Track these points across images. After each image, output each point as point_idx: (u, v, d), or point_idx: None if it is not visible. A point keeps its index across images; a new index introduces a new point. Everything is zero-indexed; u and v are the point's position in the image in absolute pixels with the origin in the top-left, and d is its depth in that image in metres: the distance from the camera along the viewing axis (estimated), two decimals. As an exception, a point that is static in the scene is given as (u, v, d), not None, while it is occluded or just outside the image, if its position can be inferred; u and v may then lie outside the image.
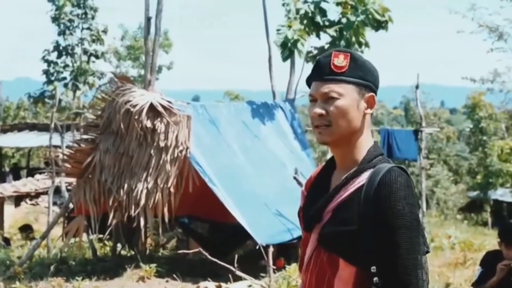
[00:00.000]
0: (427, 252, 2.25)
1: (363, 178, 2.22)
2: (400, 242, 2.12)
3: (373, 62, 2.34)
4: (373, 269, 2.13)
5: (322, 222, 2.26)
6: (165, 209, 11.02)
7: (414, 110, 35.15)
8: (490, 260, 5.54)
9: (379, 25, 13.24)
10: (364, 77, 2.27)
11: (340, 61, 2.27)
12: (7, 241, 15.41)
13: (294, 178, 10.84)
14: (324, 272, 2.24)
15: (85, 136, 11.91)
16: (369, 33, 13.30)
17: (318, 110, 2.26)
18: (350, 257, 2.17)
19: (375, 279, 2.13)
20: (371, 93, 2.29)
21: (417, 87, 15.92)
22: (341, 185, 2.25)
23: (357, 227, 2.15)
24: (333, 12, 13.39)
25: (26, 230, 17.05)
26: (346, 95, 2.25)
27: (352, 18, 12.94)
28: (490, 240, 15.16)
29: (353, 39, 12.96)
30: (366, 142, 2.30)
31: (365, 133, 2.30)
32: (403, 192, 2.14)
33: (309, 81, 2.35)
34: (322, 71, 2.29)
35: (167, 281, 10.74)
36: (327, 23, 13.29)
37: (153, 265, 10.98)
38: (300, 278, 2.40)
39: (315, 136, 2.35)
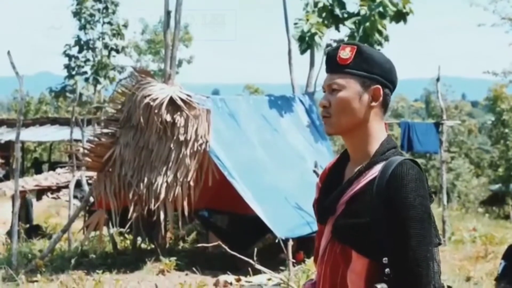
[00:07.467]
0: (439, 244, 2.27)
1: (375, 171, 2.23)
2: (411, 234, 2.13)
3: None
4: (385, 260, 2.14)
5: (335, 215, 2.29)
6: (185, 203, 11.05)
7: (435, 103, 34.92)
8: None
9: (400, 17, 13.14)
10: (370, 70, 2.27)
11: (345, 53, 2.30)
12: (31, 232, 15.23)
13: (314, 171, 10.81)
14: (337, 264, 2.26)
15: (105, 130, 11.96)
16: (390, 26, 13.21)
17: (322, 101, 2.33)
18: (363, 249, 2.19)
19: (387, 270, 2.14)
20: (377, 86, 2.28)
21: (438, 79, 15.77)
22: (354, 177, 2.27)
23: (369, 219, 2.17)
24: (352, 4, 13.34)
25: (36, 230, 16.32)
26: (348, 88, 2.28)
27: (369, 10, 12.86)
28: (512, 234, 15.04)
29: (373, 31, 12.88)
30: (377, 135, 2.30)
31: (375, 126, 2.30)
32: (414, 184, 2.15)
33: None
34: (330, 63, 2.34)
35: (186, 274, 10.76)
36: (346, 16, 13.22)
37: (173, 258, 11.01)
38: (315, 269, 2.42)
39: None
